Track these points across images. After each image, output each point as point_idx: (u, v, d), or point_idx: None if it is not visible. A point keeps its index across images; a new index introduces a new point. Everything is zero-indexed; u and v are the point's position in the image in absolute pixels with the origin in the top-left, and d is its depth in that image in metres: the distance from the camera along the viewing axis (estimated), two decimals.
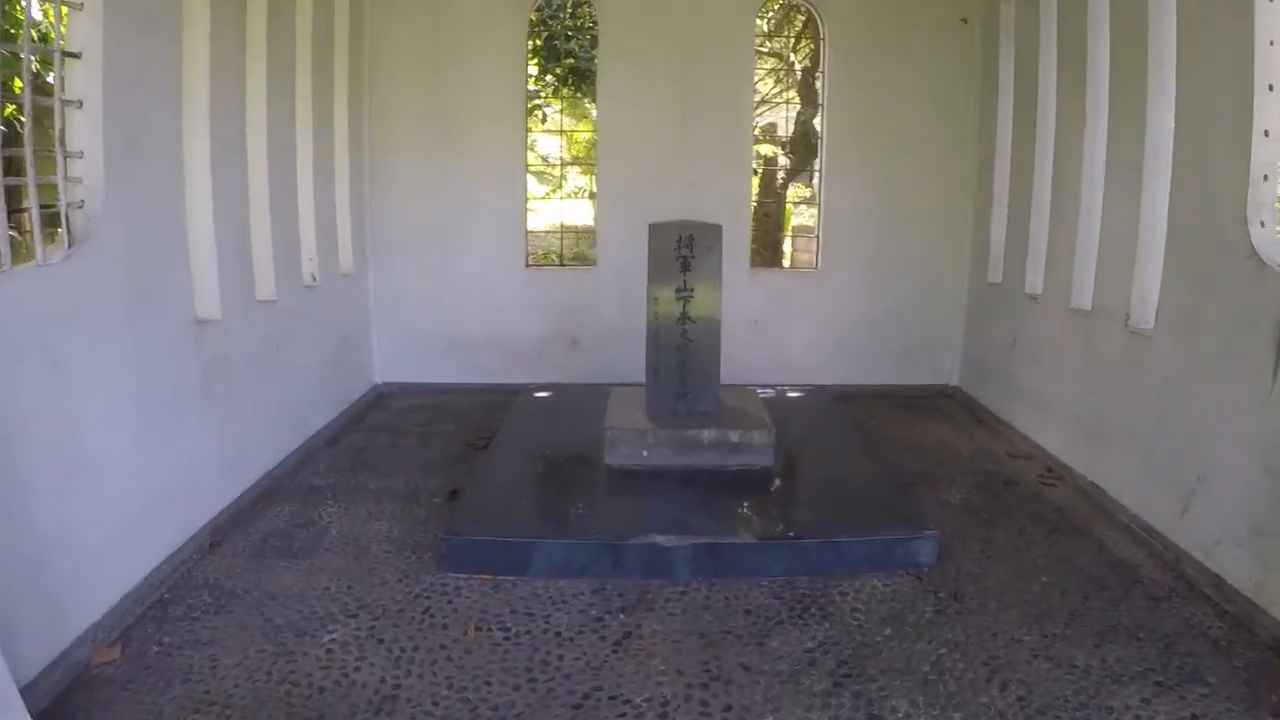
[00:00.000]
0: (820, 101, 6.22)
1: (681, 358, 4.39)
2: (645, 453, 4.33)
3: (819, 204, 6.36)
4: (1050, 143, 5.15)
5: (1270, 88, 3.34)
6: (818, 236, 6.43)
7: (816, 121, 10.59)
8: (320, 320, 5.32)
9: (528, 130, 6.44)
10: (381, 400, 6.31)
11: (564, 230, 7.99)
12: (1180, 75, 3.92)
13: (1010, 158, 5.74)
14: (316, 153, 5.17)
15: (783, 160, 10.77)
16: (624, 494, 4.17)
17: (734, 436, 4.32)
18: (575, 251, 7.83)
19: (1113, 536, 4.04)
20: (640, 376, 6.22)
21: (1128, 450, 4.26)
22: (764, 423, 4.39)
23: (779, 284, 6.29)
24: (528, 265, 6.45)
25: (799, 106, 9.65)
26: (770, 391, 5.65)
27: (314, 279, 5.22)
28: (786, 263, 9.74)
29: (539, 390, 5.88)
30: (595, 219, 6.40)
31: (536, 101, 9.49)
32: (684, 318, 4.36)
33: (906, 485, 4.48)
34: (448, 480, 4.69)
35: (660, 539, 3.60)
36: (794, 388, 5.97)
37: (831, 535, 3.69)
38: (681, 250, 4.28)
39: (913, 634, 3.20)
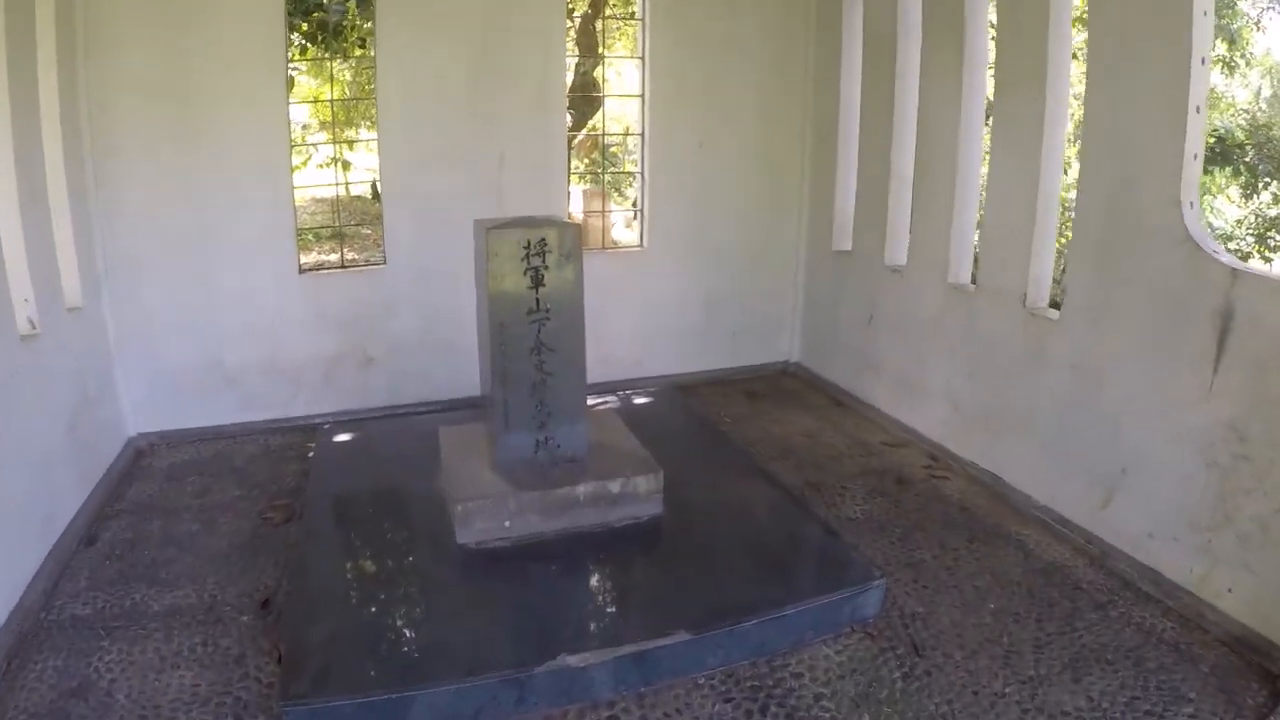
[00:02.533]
0: (642, 54, 5.37)
1: (538, 395, 3.56)
2: (507, 523, 3.46)
3: (641, 175, 5.58)
4: (912, 103, 4.91)
5: (1203, 60, 3.22)
6: (641, 212, 5.64)
7: (598, 73, 9.89)
8: (47, 376, 3.79)
9: (288, 105, 4.96)
10: (142, 461, 4.76)
11: (335, 208, 6.49)
12: (1094, 35, 3.72)
13: (860, 115, 5.46)
14: (18, 154, 3.58)
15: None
16: (497, 589, 3.27)
17: (615, 487, 3.61)
18: (333, 232, 6.39)
19: (1031, 535, 3.94)
20: (453, 391, 5.40)
21: (1028, 438, 4.18)
22: (647, 463, 3.72)
23: (602, 268, 5.47)
24: (302, 271, 5.04)
25: (576, 57, 8.72)
26: (613, 399, 5.06)
27: (32, 325, 3.64)
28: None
29: (336, 428, 4.83)
30: (382, 208, 5.11)
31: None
32: (539, 346, 3.49)
33: (800, 503, 4.04)
34: (252, 581, 3.58)
35: (571, 659, 2.81)
36: (630, 386, 5.46)
37: (772, 609, 3.11)
38: (531, 260, 3.40)
39: (893, 713, 2.83)
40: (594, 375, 4.96)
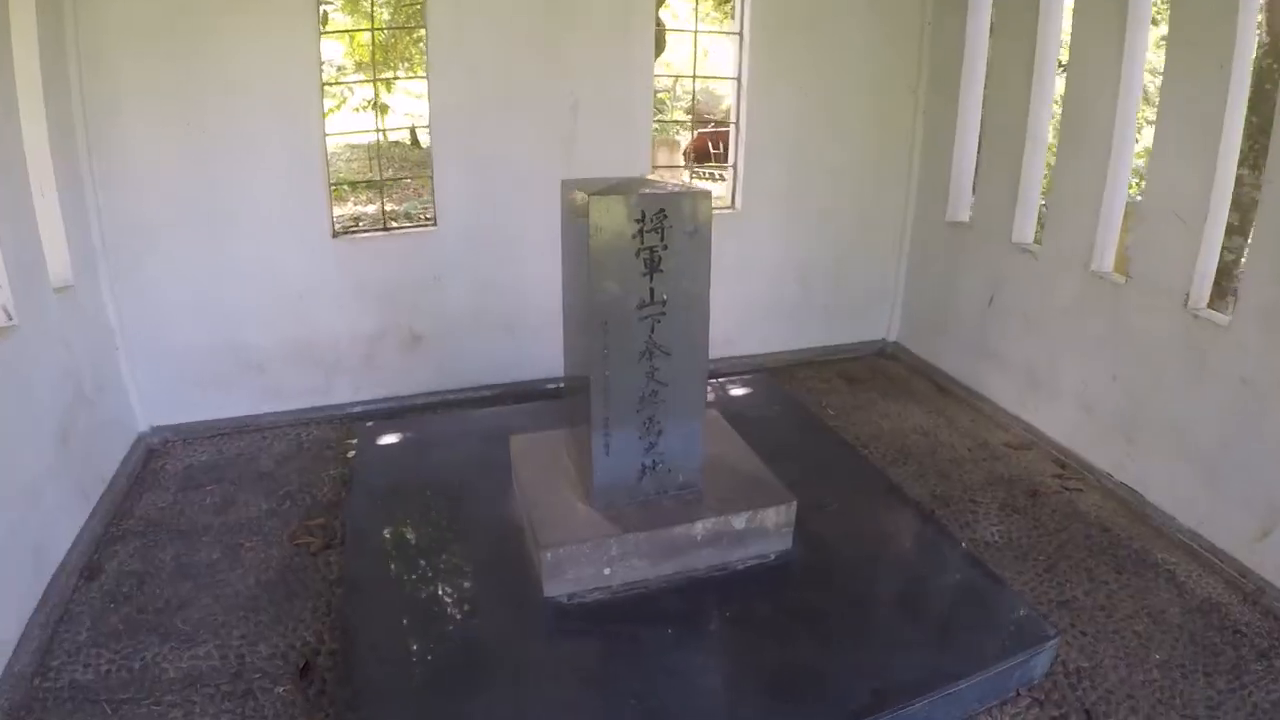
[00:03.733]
0: None
1: (648, 410, 3.03)
2: (608, 570, 3.00)
3: (736, 124, 4.82)
4: (1054, 57, 4.29)
5: None
6: (735, 166, 4.94)
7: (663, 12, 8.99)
8: (29, 376, 3.19)
9: (319, 37, 4.23)
10: (155, 462, 4.22)
11: (374, 155, 5.77)
12: None
13: (988, 69, 4.79)
14: None
15: None
16: (599, 663, 2.77)
17: (739, 523, 3.13)
18: (369, 178, 5.71)
19: (1180, 564, 3.60)
20: (512, 374, 4.83)
21: (1177, 454, 3.77)
22: (776, 490, 3.25)
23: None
24: (335, 234, 4.41)
25: None
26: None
27: (7, 315, 3.06)
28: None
29: (379, 425, 4.29)
30: (432, 163, 4.41)
31: None
32: (652, 349, 2.88)
33: (948, 534, 3.59)
34: (288, 635, 3.05)
35: None
36: (720, 368, 5.00)
37: (942, 685, 2.66)
38: (647, 237, 2.79)
39: None
40: None
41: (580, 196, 2.73)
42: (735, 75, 4.91)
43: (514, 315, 4.70)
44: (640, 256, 2.78)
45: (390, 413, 4.61)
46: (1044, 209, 4.58)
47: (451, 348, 4.72)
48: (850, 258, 5.46)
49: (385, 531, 3.33)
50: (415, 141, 10.07)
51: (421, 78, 4.56)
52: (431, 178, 4.47)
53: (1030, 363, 4.59)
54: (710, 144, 11.53)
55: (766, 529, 3.13)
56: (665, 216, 2.76)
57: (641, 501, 3.09)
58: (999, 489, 4.10)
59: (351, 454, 4.08)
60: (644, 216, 2.73)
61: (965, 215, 5.08)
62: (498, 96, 4.41)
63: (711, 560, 3.08)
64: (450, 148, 4.43)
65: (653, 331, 2.90)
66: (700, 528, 3.03)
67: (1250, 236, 3.44)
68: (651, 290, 2.84)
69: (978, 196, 4.94)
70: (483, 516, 3.38)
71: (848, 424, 4.75)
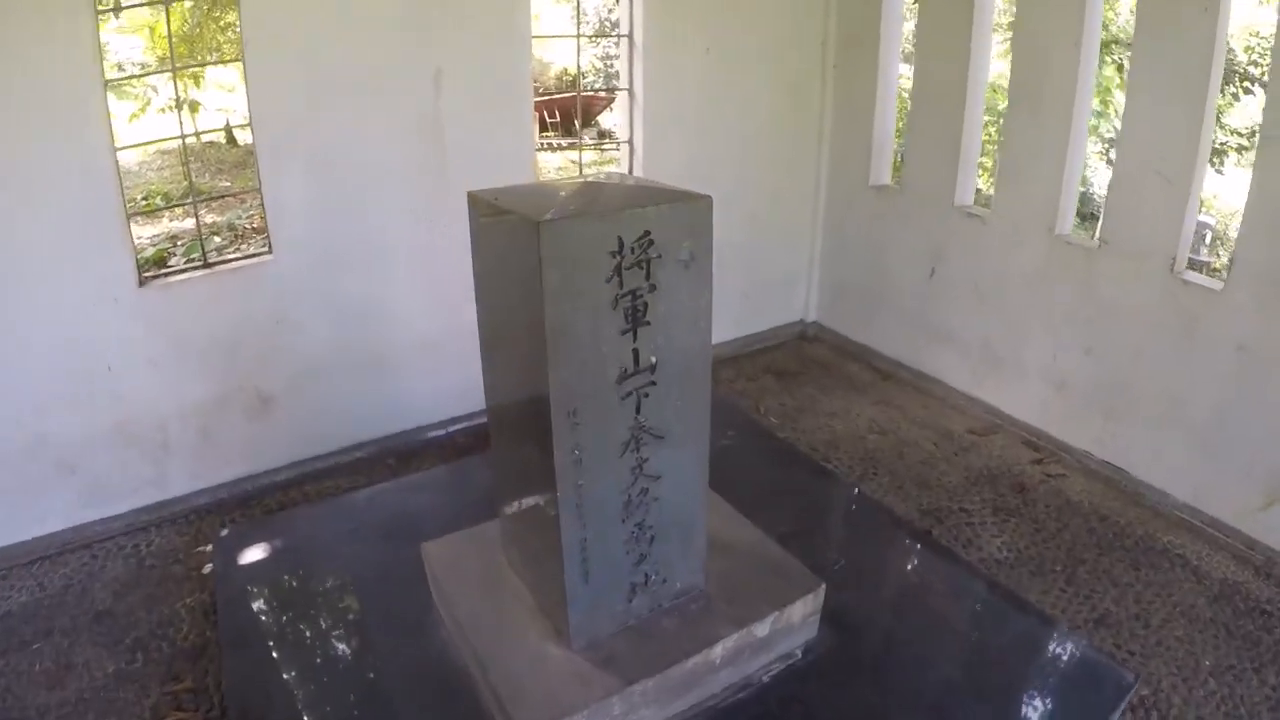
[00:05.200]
0: None
1: (636, 517, 2.32)
2: None
3: (630, 91, 4.08)
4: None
5: None
6: (630, 142, 4.17)
7: None
8: None
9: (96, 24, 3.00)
10: None
11: (185, 162, 4.57)
12: None
13: (918, 19, 4.38)
14: None
15: None
16: None
17: (763, 629, 2.50)
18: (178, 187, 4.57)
19: (1186, 545, 3.45)
20: (389, 425, 3.98)
21: (1165, 426, 3.60)
22: (798, 574, 2.64)
23: None
24: (143, 282, 3.28)
25: None
26: None
27: None
28: None
29: (240, 527, 3.36)
30: (258, 168, 3.33)
31: None
32: (639, 435, 2.08)
33: (950, 556, 3.21)
34: None
35: None
36: None
37: None
38: (625, 276, 2.01)
39: None
40: None
41: (515, 218, 1.91)
42: (627, 33, 4.09)
43: (382, 347, 3.81)
44: (620, 306, 2.00)
45: (245, 499, 3.61)
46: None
47: (310, 404, 3.73)
48: (763, 234, 4.93)
49: (272, 688, 2.45)
50: (231, 139, 8.64)
51: (235, 62, 3.43)
52: (260, 190, 3.37)
53: (985, 338, 4.28)
54: (546, 113, 10.65)
55: (793, 624, 2.54)
56: (651, 243, 1.98)
57: (636, 628, 2.38)
58: (984, 489, 3.78)
59: (208, 568, 3.15)
60: (622, 246, 1.95)
61: (885, 178, 4.70)
62: (338, 77, 3.39)
63: (730, 679, 2.46)
64: (281, 148, 3.39)
65: (639, 411, 2.14)
66: (720, 650, 2.38)
67: (1245, 201, 3.14)
68: (635, 353, 2.08)
69: (909, 158, 4.53)
70: (407, 663, 2.56)
71: (797, 432, 4.27)
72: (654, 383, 2.13)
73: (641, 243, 1.97)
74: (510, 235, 1.97)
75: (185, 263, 4.31)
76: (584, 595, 2.26)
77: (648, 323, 2.06)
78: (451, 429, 4.06)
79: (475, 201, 2.15)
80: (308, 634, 2.67)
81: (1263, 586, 3.17)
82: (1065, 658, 2.65)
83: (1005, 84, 3.99)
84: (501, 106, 3.78)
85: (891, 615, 2.85)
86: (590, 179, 2.23)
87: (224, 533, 3.19)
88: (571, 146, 8.24)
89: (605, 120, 10.52)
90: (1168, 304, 3.42)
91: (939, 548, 3.25)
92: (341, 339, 3.71)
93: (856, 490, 3.61)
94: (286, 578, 2.95)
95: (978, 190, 4.22)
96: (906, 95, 4.79)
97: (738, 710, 2.40)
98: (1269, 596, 3.11)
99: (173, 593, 3.07)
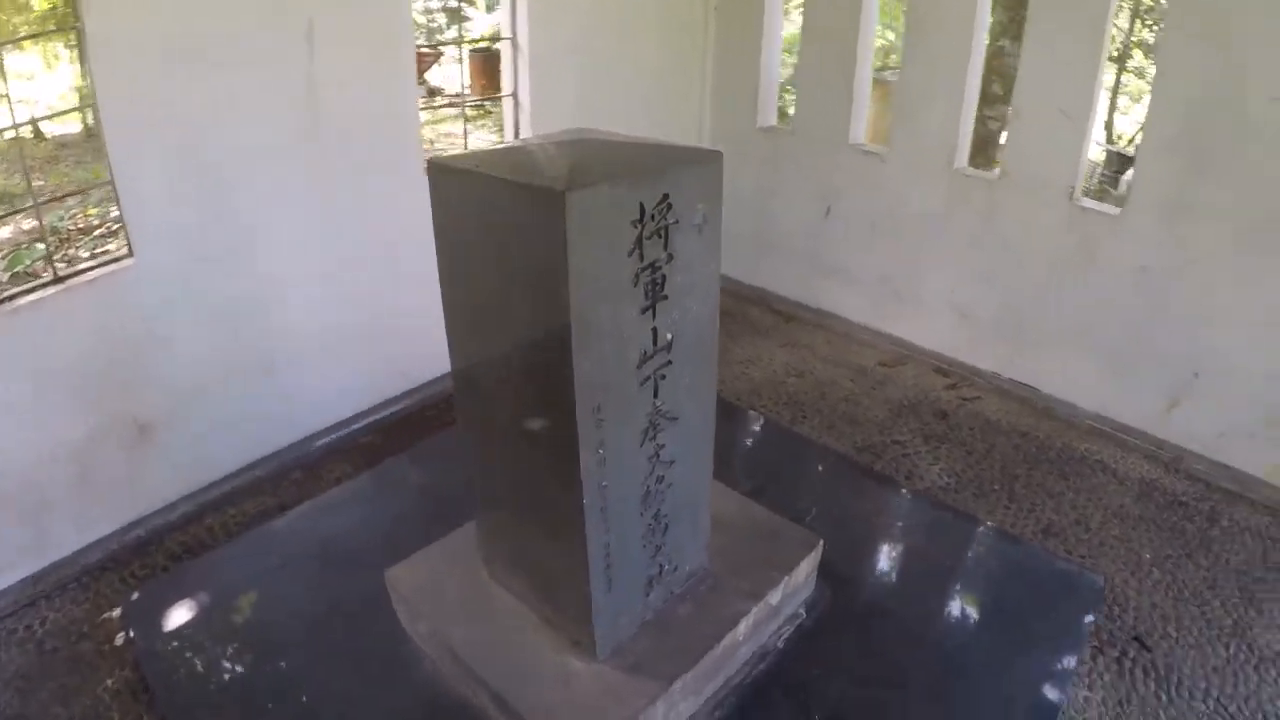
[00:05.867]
0: None
1: (655, 505, 2.18)
2: None
3: (514, 40, 3.74)
4: None
5: None
6: (515, 95, 3.87)
7: None
8: None
9: None
10: None
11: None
12: None
13: None
14: None
15: None
16: None
17: (776, 597, 2.46)
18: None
19: (1102, 451, 3.74)
20: (293, 433, 3.57)
21: (1070, 344, 3.86)
22: (797, 534, 2.61)
23: None
24: None
25: None
26: None
27: None
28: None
29: (149, 577, 2.88)
30: (109, 157, 2.74)
31: None
32: (656, 420, 1.97)
33: (878, 473, 3.46)
34: None
35: None
36: None
37: (1055, 678, 2.42)
38: (646, 247, 1.80)
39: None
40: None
41: (523, 188, 1.65)
42: None
43: (270, 348, 3.35)
44: (640, 282, 1.78)
45: (141, 547, 3.06)
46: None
47: (195, 426, 3.21)
48: None
49: None
50: (39, 134, 7.24)
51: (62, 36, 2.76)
52: (112, 182, 2.77)
53: (884, 273, 4.42)
54: None
55: (799, 585, 2.53)
56: (670, 208, 1.79)
57: (650, 621, 2.23)
58: (909, 419, 3.92)
59: (121, 638, 2.63)
60: (643, 214, 1.73)
61: (773, 119, 4.67)
62: (196, 40, 2.81)
63: (749, 652, 2.41)
64: (133, 130, 2.77)
65: (656, 394, 1.95)
66: (743, 628, 2.31)
67: (1142, 127, 3.39)
68: (654, 331, 1.88)
69: (801, 98, 4.53)
70: (395, 708, 2.28)
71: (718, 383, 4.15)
72: (670, 361, 1.96)
73: (660, 208, 1.77)
74: (514, 208, 1.70)
75: (9, 278, 3.57)
76: (608, 602, 2.10)
77: (665, 296, 1.88)
78: (354, 427, 3.66)
79: (445, 170, 1.84)
80: (267, 696, 2.31)
81: (1176, 481, 3.50)
82: (1038, 570, 2.83)
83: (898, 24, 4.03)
84: (382, 61, 3.33)
85: (874, 557, 2.92)
86: (567, 138, 1.98)
87: (134, 596, 2.69)
88: (452, 104, 7.57)
89: (433, 77, 9.81)
90: (1069, 230, 3.64)
91: (894, 483, 3.36)
92: (222, 346, 3.19)
93: (798, 437, 3.64)
94: (222, 634, 2.54)
95: None
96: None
97: (769, 683, 2.36)
98: (1183, 489, 3.45)
99: (89, 677, 2.52)
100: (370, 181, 3.39)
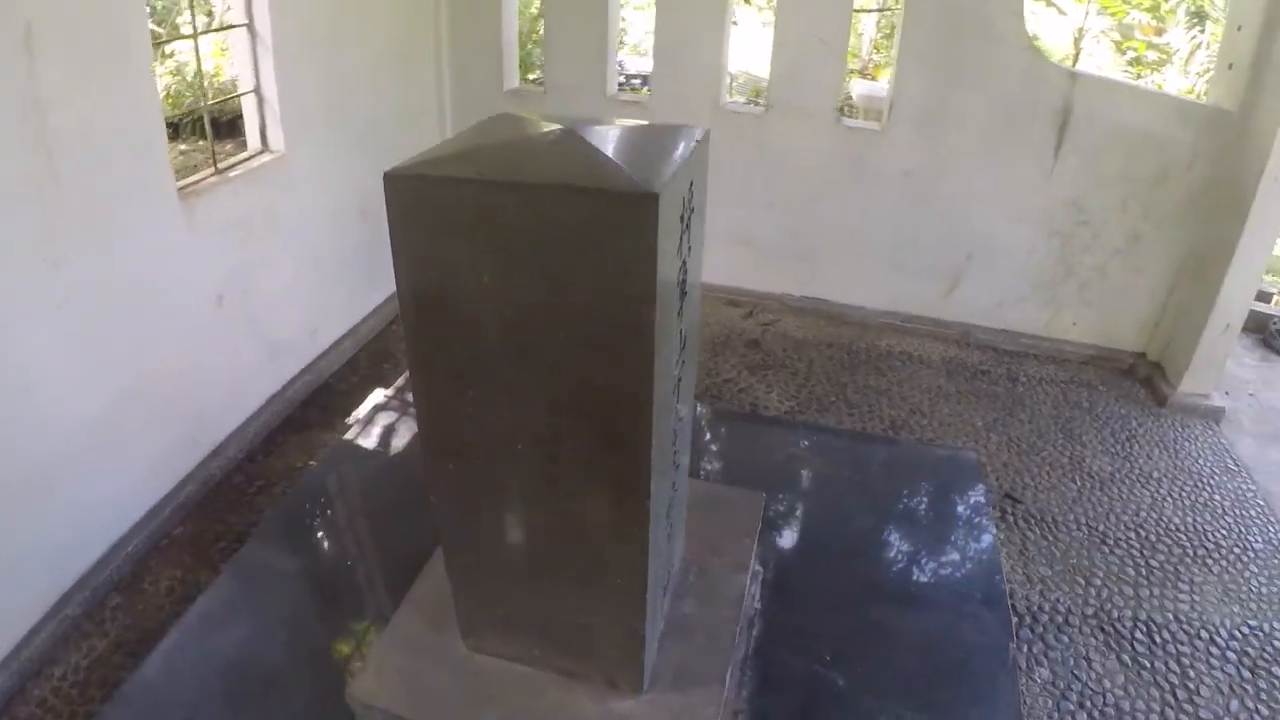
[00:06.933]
0: None
1: (671, 513, 2.13)
2: None
3: (250, 27, 3.09)
4: None
5: None
6: (258, 92, 3.22)
7: None
8: None
9: None
10: None
11: None
12: None
13: None
14: None
15: None
16: None
17: (755, 563, 2.52)
18: None
19: (899, 342, 4.23)
20: (86, 551, 2.69)
21: (851, 252, 4.28)
22: (747, 497, 2.61)
23: (233, 205, 3.02)
24: None
25: None
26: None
27: None
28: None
29: None
30: None
31: None
32: (678, 424, 1.95)
33: (748, 413, 3.62)
34: None
35: None
36: (335, 387, 3.74)
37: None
38: (683, 245, 1.64)
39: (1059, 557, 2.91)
40: (272, 380, 3.44)
41: (614, 193, 1.35)
42: None
43: (24, 458, 2.42)
44: (679, 279, 1.62)
45: None
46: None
47: None
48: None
49: None
50: None
51: None
52: None
53: None
54: None
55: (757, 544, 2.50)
56: (693, 195, 1.63)
57: (666, 631, 2.10)
58: (727, 355, 4.09)
59: None
60: (684, 204, 1.57)
61: (514, 82, 4.41)
62: None
63: (744, 624, 2.35)
64: None
65: (679, 398, 1.80)
66: (748, 603, 2.28)
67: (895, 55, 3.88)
68: (682, 333, 1.71)
69: (550, 55, 4.28)
70: None
71: None
72: (684, 362, 1.80)
73: (688, 198, 1.58)
74: (574, 217, 1.39)
75: None
76: (654, 630, 1.92)
77: (686, 292, 1.70)
78: (159, 520, 2.81)
79: (425, 183, 1.44)
80: None
81: (969, 354, 4.11)
82: (924, 461, 3.18)
83: None
84: (115, 64, 2.49)
85: (786, 493, 2.98)
86: (566, 125, 1.66)
87: None
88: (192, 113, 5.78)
89: None
90: (837, 150, 3.98)
91: (758, 418, 3.50)
92: None
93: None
94: None
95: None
96: None
97: (769, 643, 2.35)
98: (979, 359, 4.06)
99: None
100: (116, 221, 2.59)
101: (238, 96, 3.22)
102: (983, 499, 2.96)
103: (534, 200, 1.40)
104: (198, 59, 3.51)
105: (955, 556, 2.70)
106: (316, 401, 3.53)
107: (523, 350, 1.55)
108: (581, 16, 4.07)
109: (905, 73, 3.84)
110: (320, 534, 2.70)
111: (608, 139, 1.59)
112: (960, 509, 2.90)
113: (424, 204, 1.47)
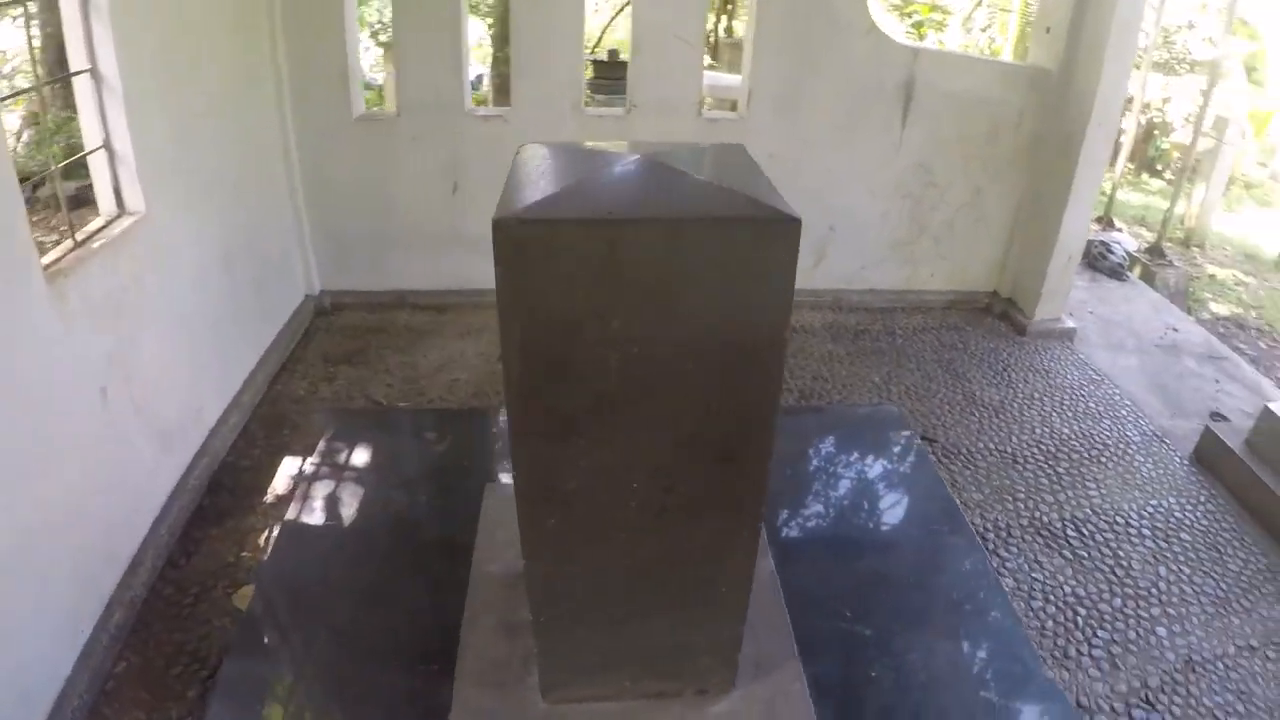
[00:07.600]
0: None
1: None
2: None
3: (94, 73, 2.72)
4: None
5: None
6: (108, 149, 2.85)
7: None
8: None
9: None
10: None
11: None
12: None
13: None
14: None
15: None
16: None
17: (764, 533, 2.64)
18: None
19: None
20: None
21: None
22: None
23: (101, 279, 2.65)
24: None
25: None
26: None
27: None
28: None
29: None
30: None
31: None
32: None
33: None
34: None
35: None
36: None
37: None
38: None
39: (984, 483, 3.30)
40: (171, 472, 3.10)
41: (762, 221, 1.51)
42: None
43: None
44: None
45: None
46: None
47: None
48: (257, 210, 3.84)
49: None
50: None
51: None
52: None
53: None
54: None
55: None
56: None
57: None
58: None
59: None
60: None
61: (361, 107, 4.16)
62: None
63: None
64: None
65: None
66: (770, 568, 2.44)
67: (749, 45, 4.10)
68: None
69: (404, 77, 4.05)
70: None
71: (430, 397, 3.80)
72: None
73: None
74: (717, 246, 1.49)
75: None
76: None
77: None
78: (96, 658, 2.40)
79: (556, 225, 1.44)
80: None
81: (845, 317, 4.51)
82: (854, 421, 3.49)
83: None
84: None
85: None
86: (636, 152, 1.66)
87: None
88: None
89: None
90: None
91: None
92: None
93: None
94: None
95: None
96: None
97: (800, 615, 2.45)
98: (855, 320, 4.48)
99: None
100: None
101: (85, 156, 2.77)
102: (916, 444, 3.33)
103: (674, 234, 1.43)
104: (43, 110, 2.96)
105: (914, 498, 3.03)
106: (223, 485, 3.16)
107: (646, 387, 1.57)
108: (435, 35, 3.92)
109: (760, 62, 4.10)
110: (306, 631, 2.46)
111: (689, 163, 1.65)
112: (903, 456, 3.24)
113: (546, 250, 1.44)
